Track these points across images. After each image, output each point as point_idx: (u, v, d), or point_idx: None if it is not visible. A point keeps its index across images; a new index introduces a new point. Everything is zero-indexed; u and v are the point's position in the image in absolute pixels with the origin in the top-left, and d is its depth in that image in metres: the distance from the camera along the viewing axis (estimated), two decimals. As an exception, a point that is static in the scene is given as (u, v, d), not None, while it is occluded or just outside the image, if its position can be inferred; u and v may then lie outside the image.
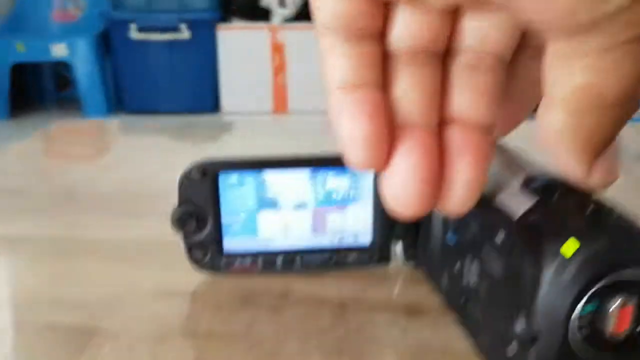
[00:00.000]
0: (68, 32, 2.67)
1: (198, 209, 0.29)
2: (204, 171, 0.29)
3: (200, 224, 0.30)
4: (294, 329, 0.26)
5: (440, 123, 0.20)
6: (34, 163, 0.54)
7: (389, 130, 0.19)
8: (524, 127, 0.21)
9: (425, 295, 0.30)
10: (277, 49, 2.50)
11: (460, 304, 0.26)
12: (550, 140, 0.19)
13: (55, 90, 3.06)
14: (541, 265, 0.19)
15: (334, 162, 0.30)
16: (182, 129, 0.70)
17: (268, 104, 2.58)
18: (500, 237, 0.21)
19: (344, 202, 0.31)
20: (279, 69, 2.53)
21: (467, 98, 0.20)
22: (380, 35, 0.19)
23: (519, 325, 0.20)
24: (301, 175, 0.30)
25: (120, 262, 0.33)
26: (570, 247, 0.18)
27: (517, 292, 0.20)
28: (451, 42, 0.20)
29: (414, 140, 0.19)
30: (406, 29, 0.19)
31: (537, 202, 0.21)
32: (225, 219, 0.30)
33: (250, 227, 0.30)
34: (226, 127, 0.74)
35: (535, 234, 0.20)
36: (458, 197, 0.20)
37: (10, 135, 2.43)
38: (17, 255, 0.34)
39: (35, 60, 2.64)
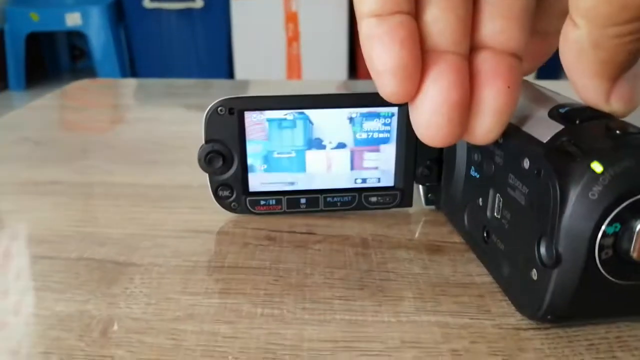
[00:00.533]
0: (82, 0, 2.66)
1: (225, 147, 0.30)
2: (231, 109, 0.29)
3: (227, 162, 0.30)
4: (318, 263, 0.27)
5: (471, 50, 0.20)
6: (54, 117, 0.55)
7: (420, 59, 0.19)
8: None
9: (446, 235, 0.30)
10: (291, 18, 2.47)
11: (481, 239, 0.26)
12: (570, 58, 0.19)
13: (70, 60, 3.07)
14: (569, 183, 0.19)
15: (364, 103, 0.30)
16: (197, 92, 0.70)
17: (282, 73, 2.57)
18: (526, 162, 0.22)
19: (372, 141, 0.31)
20: (293, 39, 2.51)
21: (498, 24, 0.20)
22: None
23: (543, 248, 0.20)
24: (330, 116, 0.30)
25: (146, 204, 0.34)
26: (599, 164, 0.19)
27: (542, 215, 0.20)
28: None
29: (445, 65, 0.19)
30: None
31: (564, 128, 0.21)
32: (250, 158, 0.31)
33: (280, 167, 0.31)
34: (242, 87, 0.74)
35: (562, 155, 0.20)
36: (487, 124, 0.20)
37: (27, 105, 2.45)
38: (45, 198, 0.35)
39: (50, 29, 2.64)
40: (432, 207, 0.33)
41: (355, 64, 2.56)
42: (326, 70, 2.55)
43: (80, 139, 0.47)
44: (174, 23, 2.51)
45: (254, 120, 0.30)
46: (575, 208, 0.19)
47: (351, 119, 0.30)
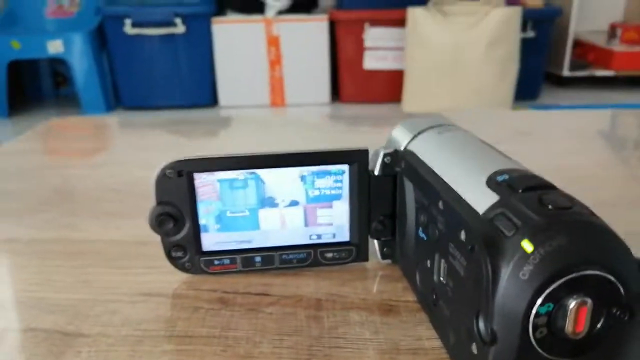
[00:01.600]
0: (63, 28, 2.66)
1: (176, 208, 0.30)
2: (180, 172, 0.29)
3: (179, 223, 0.30)
4: (268, 330, 0.27)
5: None
6: (27, 162, 0.54)
7: None
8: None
9: (401, 292, 0.30)
10: (273, 42, 2.49)
11: (431, 301, 0.26)
12: None
13: (52, 87, 3.06)
14: (500, 262, 0.19)
15: (315, 161, 0.30)
16: (179, 125, 0.70)
17: (265, 97, 2.58)
18: (462, 234, 0.22)
19: (325, 198, 0.31)
20: (275, 62, 2.53)
21: None
22: None
23: (481, 323, 0.21)
24: (282, 174, 0.30)
25: (101, 264, 0.33)
26: (530, 243, 0.19)
27: (479, 289, 0.20)
28: None
29: None
30: None
31: (499, 200, 0.21)
32: (203, 219, 0.30)
33: (234, 227, 0.31)
34: (224, 122, 0.75)
35: (495, 231, 0.20)
36: None
37: (9, 134, 2.43)
38: (2, 259, 0.34)
39: (32, 57, 2.63)
40: (389, 260, 0.33)
41: (337, 87, 2.58)
42: (309, 93, 2.56)
43: (42, 187, 0.47)
44: (157, 48, 2.51)
45: (204, 181, 0.30)
46: (507, 288, 0.19)
47: (303, 177, 0.30)
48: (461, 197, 0.23)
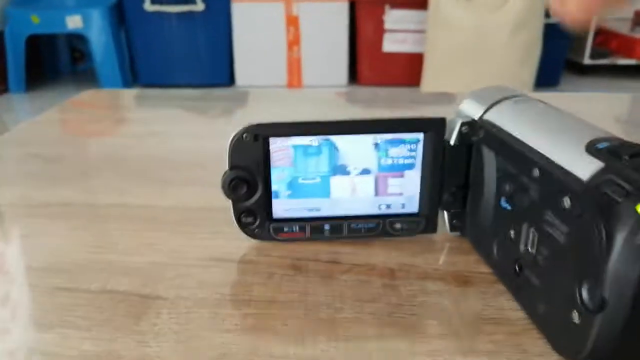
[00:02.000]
0: (82, 3, 2.64)
1: (249, 173, 0.29)
2: (256, 136, 0.29)
3: (251, 189, 0.30)
4: (347, 296, 0.26)
5: None
6: (59, 132, 0.54)
7: None
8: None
9: (473, 264, 0.29)
10: (292, 22, 2.47)
11: (513, 272, 0.26)
12: None
13: (70, 63, 3.05)
14: (614, 227, 0.19)
15: (389, 129, 0.29)
16: (207, 100, 0.69)
17: (282, 77, 2.56)
18: (566, 202, 0.21)
19: (397, 168, 0.30)
20: (294, 42, 2.51)
21: None
22: None
23: (586, 291, 0.20)
24: (355, 142, 0.30)
25: (164, 229, 0.33)
26: None
27: (584, 257, 0.20)
28: None
29: None
30: None
31: (604, 166, 0.20)
32: (275, 185, 0.30)
33: (305, 194, 0.30)
34: (241, 99, 0.74)
35: (606, 197, 0.19)
36: None
37: (27, 109, 2.43)
38: (58, 221, 0.34)
39: (51, 31, 2.63)
40: (457, 233, 0.32)
41: (355, 69, 2.56)
42: (326, 75, 2.54)
43: (89, 155, 0.46)
44: (175, 26, 2.50)
45: (278, 146, 0.29)
46: (621, 253, 0.18)
47: (376, 145, 0.30)
48: (560, 165, 0.22)
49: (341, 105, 0.68)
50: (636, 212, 0.18)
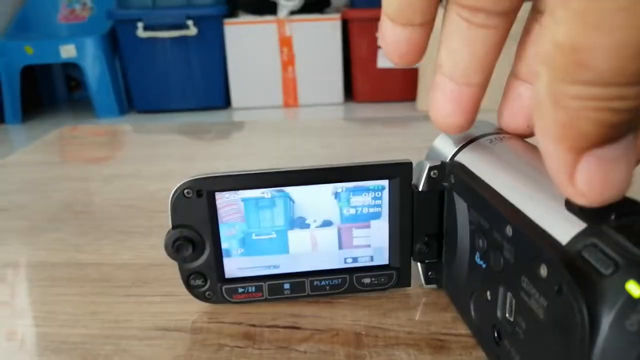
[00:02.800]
0: (76, 32, 2.66)
1: (194, 232, 0.26)
2: (199, 191, 0.26)
3: (198, 248, 0.27)
4: (303, 372, 0.23)
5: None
6: (36, 174, 0.51)
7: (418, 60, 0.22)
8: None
9: (450, 323, 0.26)
10: (285, 43, 2.46)
11: (492, 339, 0.22)
12: (533, 110, 0.16)
13: (66, 92, 3.06)
14: (599, 308, 0.15)
15: (351, 177, 0.26)
16: (193, 131, 0.67)
17: (278, 98, 2.55)
18: (543, 270, 0.18)
19: (362, 219, 0.27)
20: (288, 63, 2.50)
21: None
22: None
23: None
24: (314, 191, 0.27)
25: (112, 292, 0.30)
26: (637, 285, 0.15)
27: (567, 338, 0.17)
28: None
29: (448, 95, 0.22)
30: None
31: (586, 228, 0.17)
32: (225, 242, 0.27)
33: (260, 251, 0.27)
34: (239, 127, 0.71)
35: (587, 266, 0.16)
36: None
37: (23, 139, 2.43)
38: (3, 285, 0.31)
39: (45, 62, 2.64)
40: (434, 286, 0.29)
41: (351, 87, 2.54)
42: (322, 93, 2.53)
43: (51, 203, 0.44)
44: (169, 51, 2.50)
45: (227, 201, 0.26)
46: (609, 340, 0.15)
47: (337, 195, 0.27)
48: (536, 223, 0.19)
49: (336, 124, 0.65)
50: (626, 290, 0.15)
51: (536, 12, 0.22)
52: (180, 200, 0.26)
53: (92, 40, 2.50)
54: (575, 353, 0.16)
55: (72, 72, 2.97)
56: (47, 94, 2.97)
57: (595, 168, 0.16)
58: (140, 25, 2.41)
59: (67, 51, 2.51)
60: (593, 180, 0.16)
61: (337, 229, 0.28)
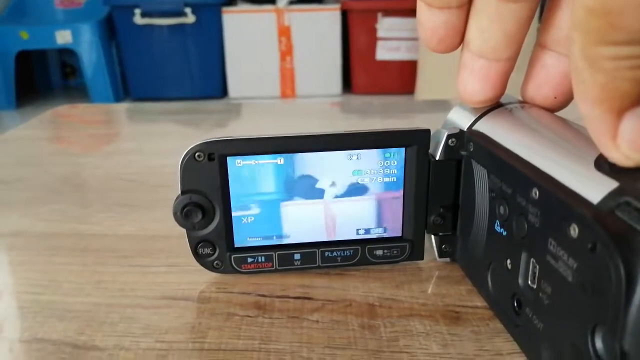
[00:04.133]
0: (72, 18, 2.62)
1: (204, 198, 0.25)
2: (210, 155, 0.25)
3: (208, 215, 0.26)
4: (316, 342, 0.22)
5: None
6: (25, 151, 0.50)
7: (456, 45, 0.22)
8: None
9: (465, 296, 0.26)
10: (284, 32, 2.44)
11: (511, 308, 0.22)
12: (571, 77, 0.16)
13: (61, 78, 3.03)
14: (636, 263, 0.15)
15: (365, 144, 0.26)
16: (190, 114, 0.66)
17: (276, 88, 2.54)
18: (573, 230, 0.17)
19: (376, 189, 0.27)
20: (286, 53, 2.48)
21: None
22: None
23: (600, 341, 0.16)
24: (328, 159, 0.26)
25: (116, 262, 0.29)
26: None
27: (599, 300, 0.16)
28: None
29: (477, 73, 0.22)
30: None
31: (619, 186, 0.16)
32: (236, 209, 0.26)
33: (269, 219, 0.27)
34: (236, 111, 0.70)
35: (622, 224, 0.15)
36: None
37: (17, 125, 2.40)
38: (3, 255, 0.31)
39: (40, 47, 2.60)
40: (447, 259, 0.28)
41: (349, 78, 2.53)
42: (320, 84, 2.52)
43: (50, 177, 0.43)
44: (166, 39, 2.47)
45: (238, 166, 0.25)
46: None
47: (351, 162, 0.26)
48: (564, 185, 0.18)
49: (335, 115, 0.64)
50: None
51: None
52: (191, 164, 0.25)
53: (89, 26, 2.47)
54: (609, 313, 0.15)
55: (67, 58, 2.94)
56: (42, 80, 2.94)
57: (637, 126, 0.16)
58: (137, 11, 2.38)
59: (63, 37, 2.48)
60: (636, 138, 0.16)
61: (350, 199, 0.27)
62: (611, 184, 0.17)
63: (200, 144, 0.25)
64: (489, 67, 0.22)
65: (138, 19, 2.39)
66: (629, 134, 0.16)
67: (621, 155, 0.16)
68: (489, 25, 0.21)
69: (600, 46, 0.15)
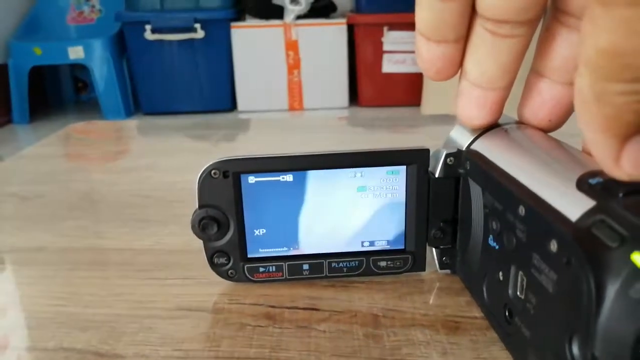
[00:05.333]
0: (84, 34, 2.68)
1: (220, 212, 0.27)
2: (225, 172, 0.27)
3: (223, 228, 0.28)
4: (323, 350, 0.24)
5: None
6: (44, 168, 0.52)
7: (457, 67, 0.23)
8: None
9: (464, 307, 0.27)
10: (291, 47, 2.48)
11: (503, 318, 0.23)
12: (577, 106, 0.17)
13: (73, 93, 3.08)
14: (605, 277, 0.16)
15: (369, 162, 0.27)
16: (201, 129, 0.68)
17: (283, 101, 2.57)
18: (553, 245, 0.19)
19: (380, 204, 0.28)
20: (294, 67, 2.51)
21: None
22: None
23: (576, 348, 0.18)
24: (334, 176, 0.28)
25: (134, 275, 0.31)
26: None
27: (574, 311, 0.17)
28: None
29: (474, 101, 0.24)
30: None
31: (595, 205, 0.18)
32: (249, 222, 0.28)
33: (280, 231, 0.28)
34: (244, 125, 0.72)
35: (596, 242, 0.17)
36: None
37: (30, 139, 2.44)
38: (27, 269, 0.32)
39: (53, 63, 2.66)
40: (447, 271, 0.30)
41: (356, 91, 2.55)
42: (327, 97, 2.54)
43: (70, 193, 0.45)
44: (176, 54, 2.52)
45: (251, 182, 0.27)
46: (614, 308, 0.16)
47: (356, 179, 0.28)
48: (547, 203, 0.20)
49: (342, 129, 0.66)
50: (631, 261, 0.16)
51: (557, 11, 0.22)
52: (207, 181, 0.27)
53: (100, 42, 2.52)
54: (583, 321, 0.17)
55: (79, 73, 2.99)
56: (55, 94, 2.99)
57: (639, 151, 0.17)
58: (148, 27, 2.43)
59: (75, 52, 2.53)
60: (638, 160, 0.17)
61: (355, 212, 0.28)
62: (589, 203, 0.18)
63: (216, 162, 0.27)
64: (486, 96, 0.23)
65: (148, 35, 2.44)
66: (633, 157, 0.17)
67: (623, 174, 0.17)
68: (485, 59, 0.22)
69: (609, 83, 0.15)
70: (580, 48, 0.16)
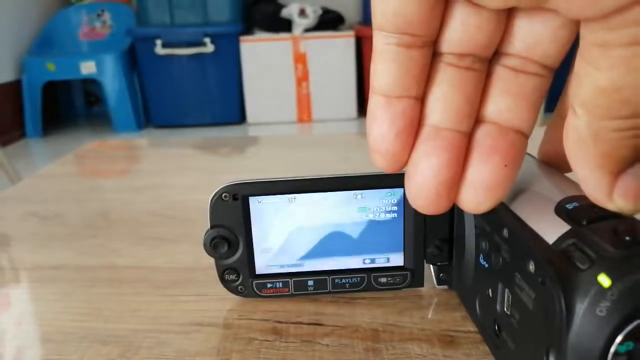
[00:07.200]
0: (96, 49, 2.73)
1: (230, 231, 0.29)
2: (235, 195, 0.29)
3: (233, 246, 0.30)
4: (326, 362, 0.26)
5: (477, 121, 0.20)
6: (61, 187, 0.55)
7: (415, 137, 0.20)
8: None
9: (460, 322, 0.29)
10: (300, 59, 2.51)
11: (493, 332, 0.25)
12: (570, 146, 0.18)
13: (85, 107, 3.13)
14: (575, 297, 0.18)
15: (369, 184, 0.29)
16: (212, 145, 0.70)
17: (292, 113, 2.60)
18: (531, 265, 0.21)
19: (380, 223, 0.30)
20: (302, 79, 2.54)
21: (507, 100, 0.19)
22: (431, 43, 0.19)
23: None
24: (336, 198, 0.29)
25: (150, 292, 0.33)
26: (607, 278, 0.17)
27: (549, 325, 0.19)
28: (499, 45, 0.19)
29: (441, 142, 0.19)
30: (458, 32, 0.18)
31: (570, 229, 0.20)
32: (257, 241, 0.30)
33: (286, 249, 0.30)
34: (254, 141, 0.75)
35: (568, 264, 0.19)
36: (478, 198, 0.20)
37: (44, 153, 2.49)
38: (48, 286, 0.34)
39: (66, 78, 2.71)
40: (445, 286, 0.31)
41: (364, 102, 2.58)
42: (335, 109, 2.57)
43: (87, 212, 0.47)
44: (186, 68, 2.56)
45: (259, 204, 0.29)
46: (582, 324, 0.18)
47: (357, 200, 0.30)
48: (528, 226, 0.22)
49: (349, 143, 0.68)
50: (597, 282, 0.18)
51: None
52: (218, 203, 0.29)
53: (112, 57, 2.58)
54: (555, 336, 0.18)
55: (91, 88, 3.05)
56: (67, 108, 3.05)
57: (631, 184, 0.17)
58: (158, 42, 2.47)
59: (87, 67, 2.59)
60: (630, 193, 0.17)
61: (356, 232, 0.30)
62: (564, 227, 0.20)
63: (226, 186, 0.29)
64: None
65: (159, 50, 2.48)
66: (624, 191, 0.17)
67: (615, 207, 0.18)
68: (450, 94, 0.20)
69: (606, 120, 0.16)
70: (576, 90, 0.16)
